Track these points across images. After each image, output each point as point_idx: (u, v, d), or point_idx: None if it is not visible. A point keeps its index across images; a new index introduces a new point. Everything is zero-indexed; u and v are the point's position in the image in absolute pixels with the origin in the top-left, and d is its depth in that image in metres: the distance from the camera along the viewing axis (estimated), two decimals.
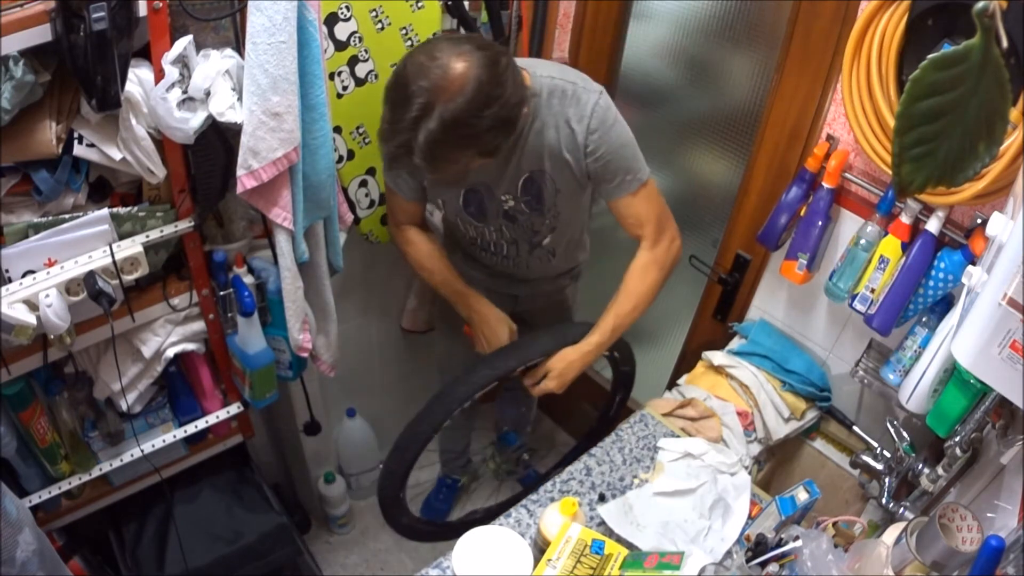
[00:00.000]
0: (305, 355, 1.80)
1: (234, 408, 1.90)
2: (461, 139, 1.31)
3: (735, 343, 1.98)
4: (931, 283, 1.53)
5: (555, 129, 1.51)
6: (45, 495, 1.68)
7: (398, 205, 1.77)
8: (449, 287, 1.79)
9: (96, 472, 1.74)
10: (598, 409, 2.29)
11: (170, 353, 1.68)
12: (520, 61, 1.49)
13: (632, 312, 1.66)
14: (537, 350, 1.67)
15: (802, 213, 1.70)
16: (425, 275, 1.82)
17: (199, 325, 1.71)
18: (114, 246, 1.44)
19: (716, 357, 1.93)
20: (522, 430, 2.70)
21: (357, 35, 1.76)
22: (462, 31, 1.94)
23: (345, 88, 1.81)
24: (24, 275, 1.38)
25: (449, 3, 1.87)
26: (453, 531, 2.15)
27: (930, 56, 0.65)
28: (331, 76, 1.75)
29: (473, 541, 1.41)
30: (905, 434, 1.61)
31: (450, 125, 1.27)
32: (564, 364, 1.68)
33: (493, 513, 2.15)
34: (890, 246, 1.56)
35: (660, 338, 2.47)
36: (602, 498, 1.60)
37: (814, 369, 1.87)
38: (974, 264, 1.31)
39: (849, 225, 1.69)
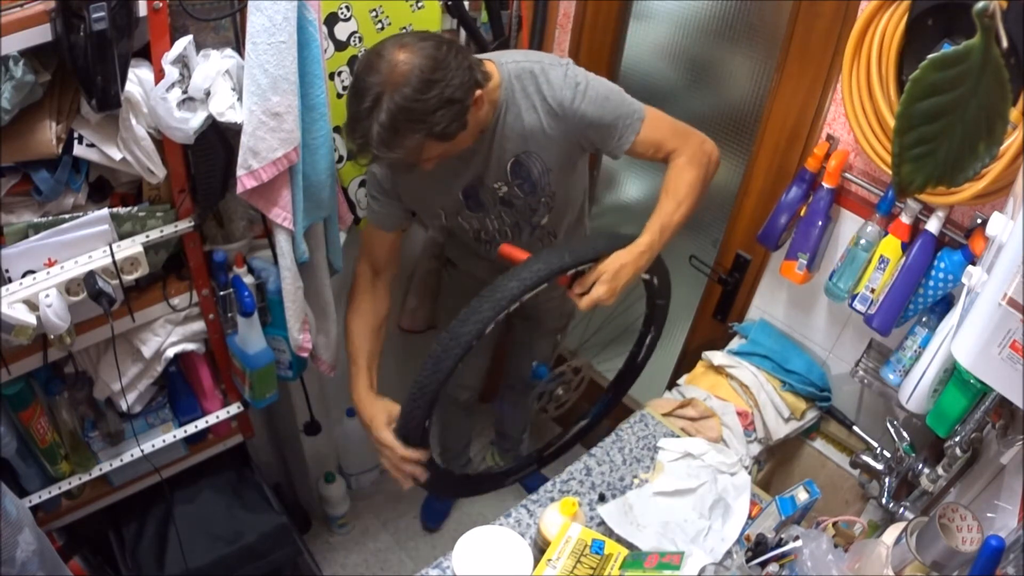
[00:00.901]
0: (305, 355, 1.80)
1: (234, 408, 1.90)
2: (409, 123, 1.37)
3: (735, 343, 1.98)
4: (931, 283, 1.53)
5: (532, 110, 1.54)
6: (45, 495, 1.68)
7: (374, 238, 1.74)
8: (352, 358, 1.75)
9: (96, 472, 1.74)
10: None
11: (170, 353, 1.68)
12: (485, 55, 1.54)
13: (678, 209, 1.59)
14: (589, 250, 1.55)
15: (802, 213, 1.70)
16: (347, 336, 1.77)
17: (199, 325, 1.71)
18: (114, 246, 1.44)
19: (716, 357, 1.93)
20: (520, 430, 2.70)
21: (357, 35, 1.76)
22: (462, 31, 1.94)
23: (345, 88, 1.81)
24: (24, 275, 1.38)
25: (449, 3, 1.87)
26: (470, 486, 2.13)
27: (930, 56, 0.65)
28: (331, 76, 1.75)
29: (473, 541, 1.41)
30: (905, 434, 1.61)
31: (397, 112, 1.35)
32: (617, 266, 1.55)
33: (511, 472, 2.12)
34: (890, 246, 1.56)
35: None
36: (602, 498, 1.60)
37: (814, 369, 1.87)
38: (974, 264, 1.31)
39: (849, 225, 1.69)
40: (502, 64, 1.54)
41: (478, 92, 1.45)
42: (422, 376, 1.47)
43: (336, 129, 1.83)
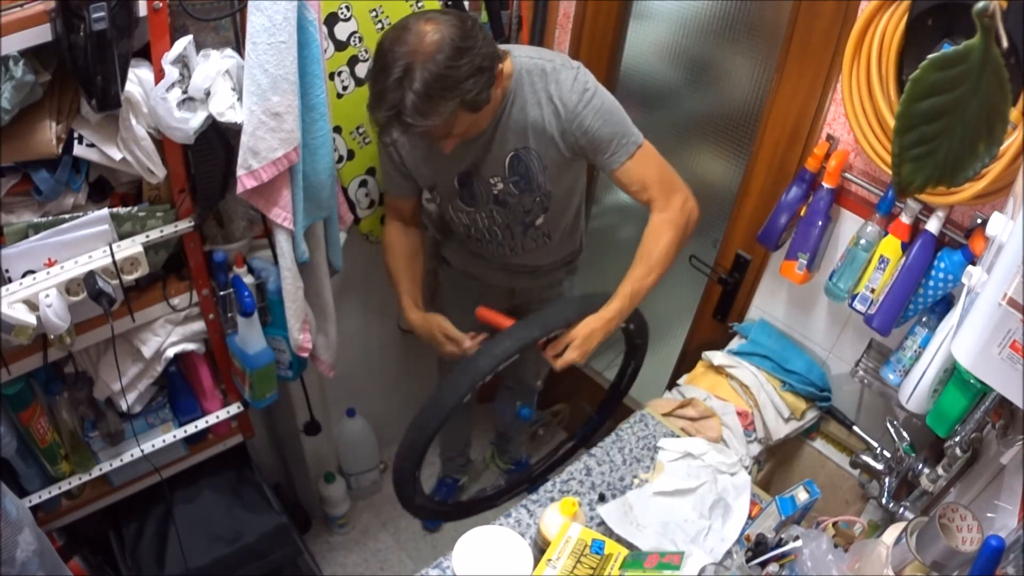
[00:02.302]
0: (305, 355, 1.80)
1: (234, 408, 1.90)
2: (444, 91, 1.40)
3: (735, 343, 1.98)
4: (931, 283, 1.53)
5: (538, 106, 1.56)
6: (45, 495, 1.68)
7: (394, 204, 1.85)
8: (394, 288, 1.87)
9: (96, 472, 1.74)
10: (594, 407, 2.29)
11: (170, 353, 1.68)
12: (501, 46, 1.56)
13: (648, 275, 1.64)
14: (560, 319, 1.64)
15: (802, 213, 1.70)
16: (388, 279, 1.88)
17: (199, 325, 1.71)
18: (114, 246, 1.44)
19: (716, 357, 1.93)
20: (519, 431, 2.70)
21: (357, 35, 1.76)
22: None
23: (345, 88, 1.81)
24: (24, 275, 1.38)
25: (449, 3, 1.88)
26: (464, 511, 2.16)
27: (930, 56, 0.65)
28: (331, 76, 1.75)
29: (473, 541, 1.41)
30: (905, 434, 1.61)
31: (431, 79, 1.37)
32: (587, 332, 1.64)
33: (502, 492, 2.17)
34: (890, 246, 1.56)
35: (660, 338, 2.47)
36: (602, 498, 1.60)
37: (814, 369, 1.87)
38: (974, 264, 1.31)
39: (849, 225, 1.69)
40: (515, 56, 1.57)
41: (499, 66, 1.49)
42: (407, 440, 1.60)
43: (336, 129, 1.83)
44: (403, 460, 1.63)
